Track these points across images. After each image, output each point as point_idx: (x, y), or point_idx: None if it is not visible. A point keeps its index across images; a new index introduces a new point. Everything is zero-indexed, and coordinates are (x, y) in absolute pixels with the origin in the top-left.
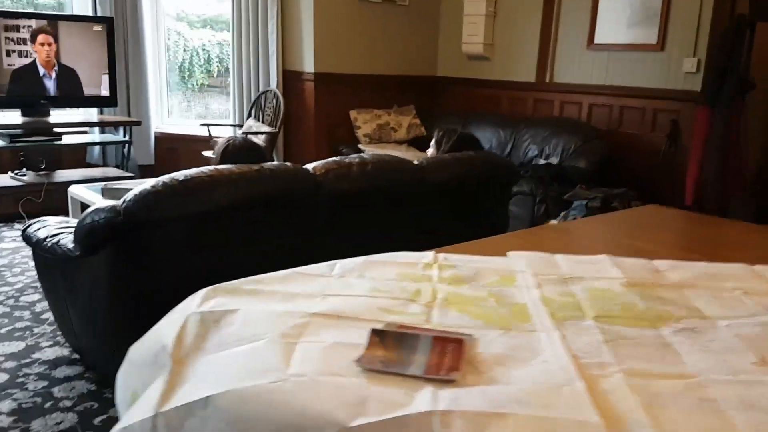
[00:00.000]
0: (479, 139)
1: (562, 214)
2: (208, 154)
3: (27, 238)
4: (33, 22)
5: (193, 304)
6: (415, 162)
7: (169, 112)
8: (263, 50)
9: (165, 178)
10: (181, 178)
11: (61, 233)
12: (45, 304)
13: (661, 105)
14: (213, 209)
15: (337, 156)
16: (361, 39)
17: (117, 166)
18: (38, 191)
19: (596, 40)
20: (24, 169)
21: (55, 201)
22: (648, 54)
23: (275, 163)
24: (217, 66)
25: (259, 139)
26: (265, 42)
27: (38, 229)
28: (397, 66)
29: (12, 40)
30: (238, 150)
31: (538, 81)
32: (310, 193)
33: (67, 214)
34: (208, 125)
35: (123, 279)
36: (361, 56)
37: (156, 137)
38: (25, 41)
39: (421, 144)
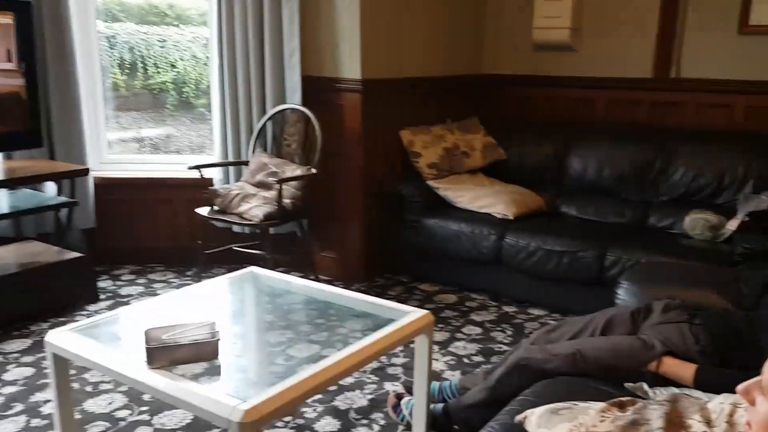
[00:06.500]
0: None
1: None
2: (203, 211)
3: None
4: None
5: None
6: None
7: (109, 146)
8: (272, 48)
9: None
10: None
11: None
12: None
13: None
14: None
15: (396, 203)
16: (409, 27)
17: (37, 237)
18: None
19: (751, 22)
20: None
21: None
22: None
23: None
24: (174, 73)
25: (291, 187)
26: (276, 34)
27: None
28: (440, 63)
29: None
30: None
31: (657, 77)
32: None
33: None
34: (199, 167)
35: None
36: (408, 52)
37: (95, 185)
38: None
39: (500, 173)
